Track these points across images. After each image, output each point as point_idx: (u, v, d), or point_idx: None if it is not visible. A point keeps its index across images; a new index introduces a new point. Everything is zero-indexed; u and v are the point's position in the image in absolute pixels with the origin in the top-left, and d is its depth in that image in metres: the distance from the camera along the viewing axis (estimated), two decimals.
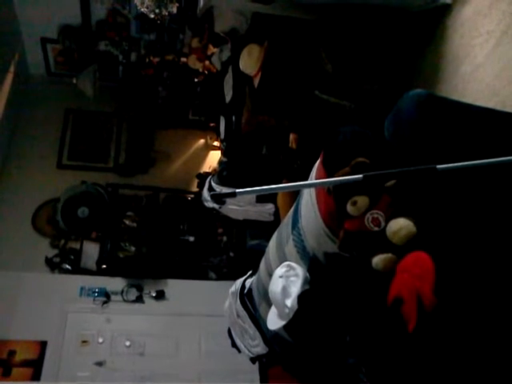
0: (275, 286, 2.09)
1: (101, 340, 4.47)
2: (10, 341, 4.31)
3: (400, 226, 1.58)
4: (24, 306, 4.41)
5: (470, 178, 1.50)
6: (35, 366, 4.25)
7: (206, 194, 4.40)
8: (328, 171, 1.79)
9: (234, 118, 4.19)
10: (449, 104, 1.77)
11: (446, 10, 2.99)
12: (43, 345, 4.33)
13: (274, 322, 2.15)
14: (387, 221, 1.62)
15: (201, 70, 4.95)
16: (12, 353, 4.26)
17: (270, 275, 2.29)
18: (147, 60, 5.26)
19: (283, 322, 2.06)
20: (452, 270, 1.40)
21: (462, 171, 1.34)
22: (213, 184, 4.21)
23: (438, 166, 1.31)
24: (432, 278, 1.35)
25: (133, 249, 4.89)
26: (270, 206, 4.06)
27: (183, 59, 5.15)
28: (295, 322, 2.01)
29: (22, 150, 5.24)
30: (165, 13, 4.05)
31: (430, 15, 3.10)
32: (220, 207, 4.30)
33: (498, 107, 2.37)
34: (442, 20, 3.02)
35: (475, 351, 1.30)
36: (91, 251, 4.95)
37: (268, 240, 2.72)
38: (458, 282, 1.37)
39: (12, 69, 5.08)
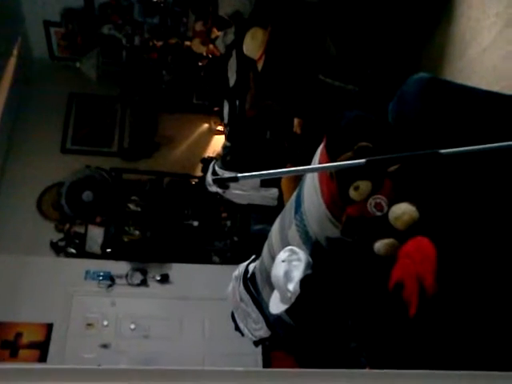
0: (278, 270, 2.09)
1: (106, 323, 4.52)
2: (17, 323, 4.37)
3: (402, 211, 1.58)
4: (30, 290, 4.46)
5: (474, 162, 1.49)
6: (41, 348, 4.31)
7: (209, 178, 4.40)
8: (331, 156, 1.79)
9: (237, 102, 4.16)
10: (452, 88, 1.76)
11: None
12: (49, 327, 4.39)
13: (276, 306, 2.16)
14: (390, 206, 1.62)
15: (204, 53, 4.91)
16: (19, 335, 4.33)
17: (273, 259, 2.29)
18: (151, 44, 5.22)
19: (285, 306, 2.07)
20: (454, 255, 1.39)
21: (466, 156, 1.32)
22: (216, 168, 4.21)
23: (442, 151, 1.29)
24: (433, 264, 1.35)
25: (137, 233, 4.91)
26: (273, 191, 4.06)
27: (187, 43, 5.11)
28: (297, 306, 2.02)
29: (25, 135, 5.23)
30: None
31: None
32: (224, 192, 4.30)
33: (505, 91, 2.34)
34: (449, 2, 2.97)
35: (475, 336, 1.30)
36: (96, 235, 4.97)
37: (272, 225, 2.73)
38: (459, 267, 1.37)
39: (15, 52, 5.05)
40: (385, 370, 0.78)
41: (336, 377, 0.75)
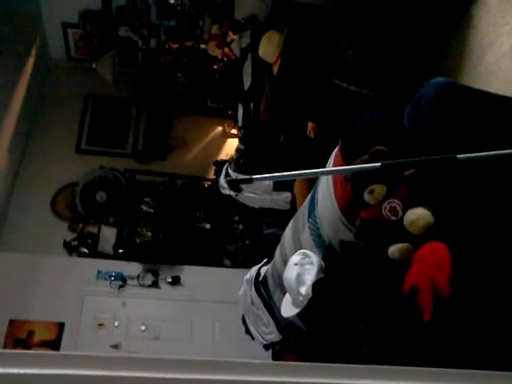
0: (290, 273, 2.09)
1: (116, 323, 4.53)
2: (30, 321, 4.40)
3: (418, 215, 1.56)
4: (42, 288, 4.48)
5: (491, 168, 1.47)
6: (53, 347, 4.33)
7: (222, 181, 4.40)
8: (346, 159, 1.78)
9: (252, 105, 4.17)
10: (470, 93, 1.74)
11: None
12: (61, 326, 4.41)
13: (287, 309, 2.16)
14: (405, 210, 1.61)
15: (220, 56, 4.93)
16: (31, 333, 4.35)
17: (285, 263, 2.29)
18: (167, 46, 5.25)
19: (297, 310, 2.06)
20: (469, 261, 1.38)
21: (483, 161, 1.31)
22: (230, 171, 4.21)
23: (459, 156, 1.28)
24: (448, 269, 1.34)
25: (149, 234, 4.93)
26: (286, 195, 4.05)
27: (203, 46, 5.14)
28: (309, 310, 2.01)
29: (41, 134, 5.29)
30: None
31: (455, 2, 3.03)
32: (236, 195, 4.29)
33: None
34: (468, 7, 2.95)
35: (490, 342, 1.28)
36: (108, 236, 5.00)
37: (283, 229, 2.72)
38: (474, 273, 1.35)
39: (33, 53, 5.12)
40: (397, 367, 0.77)
41: (353, 372, 0.74)
